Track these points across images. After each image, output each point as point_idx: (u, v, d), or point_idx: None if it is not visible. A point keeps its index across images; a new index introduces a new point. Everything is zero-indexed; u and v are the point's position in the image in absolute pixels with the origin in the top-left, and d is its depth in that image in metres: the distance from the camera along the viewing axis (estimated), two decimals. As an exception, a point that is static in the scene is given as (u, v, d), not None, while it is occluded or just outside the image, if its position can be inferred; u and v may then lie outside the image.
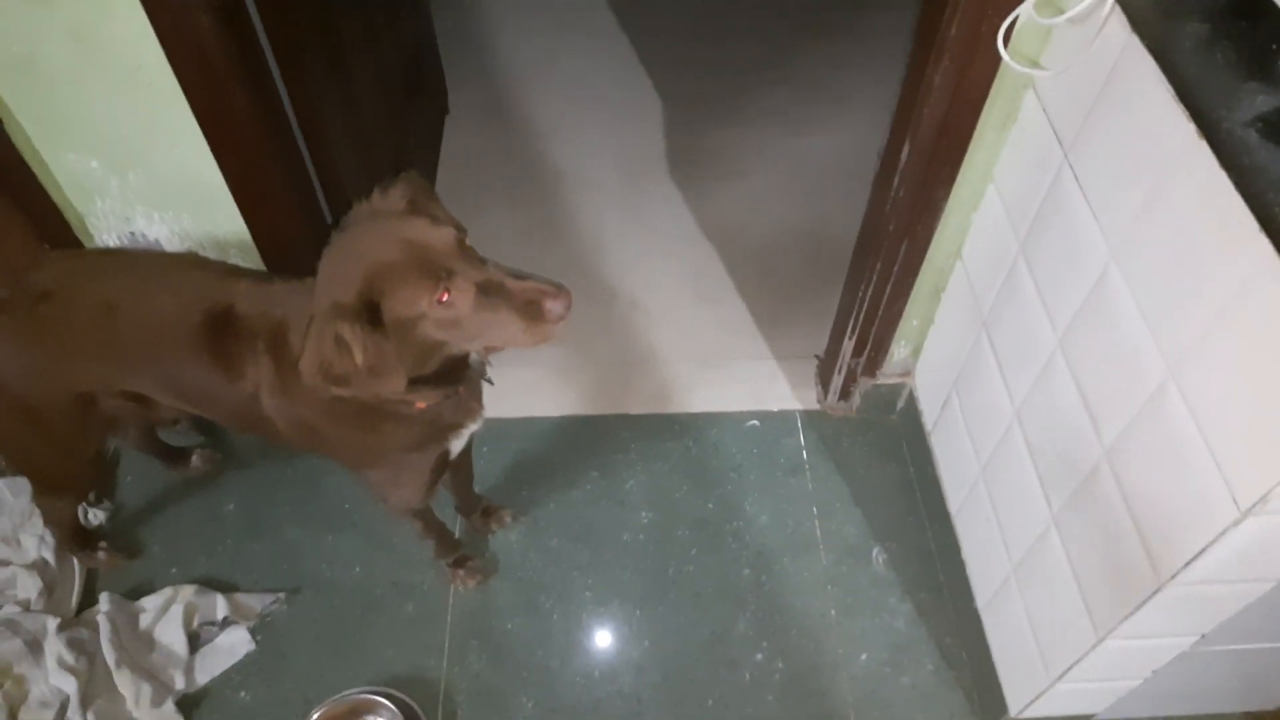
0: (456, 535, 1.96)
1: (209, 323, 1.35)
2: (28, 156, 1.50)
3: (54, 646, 1.71)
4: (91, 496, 1.95)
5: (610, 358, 2.31)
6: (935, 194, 1.65)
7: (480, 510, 1.97)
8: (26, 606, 1.78)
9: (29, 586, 1.80)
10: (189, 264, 1.46)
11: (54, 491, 1.69)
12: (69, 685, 1.67)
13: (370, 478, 1.54)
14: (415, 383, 1.24)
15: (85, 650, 1.73)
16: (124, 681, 1.70)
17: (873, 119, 2.83)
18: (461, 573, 1.89)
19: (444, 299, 1.12)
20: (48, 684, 1.68)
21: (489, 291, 1.13)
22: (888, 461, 2.13)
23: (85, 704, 1.66)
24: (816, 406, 2.22)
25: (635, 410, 2.20)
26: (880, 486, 2.09)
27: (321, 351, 1.10)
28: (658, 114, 2.93)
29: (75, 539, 1.83)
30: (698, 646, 1.86)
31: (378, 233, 1.15)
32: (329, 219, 1.84)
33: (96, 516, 1.94)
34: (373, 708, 1.71)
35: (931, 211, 1.68)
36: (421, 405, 1.32)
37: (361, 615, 1.87)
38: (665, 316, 2.40)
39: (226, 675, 1.78)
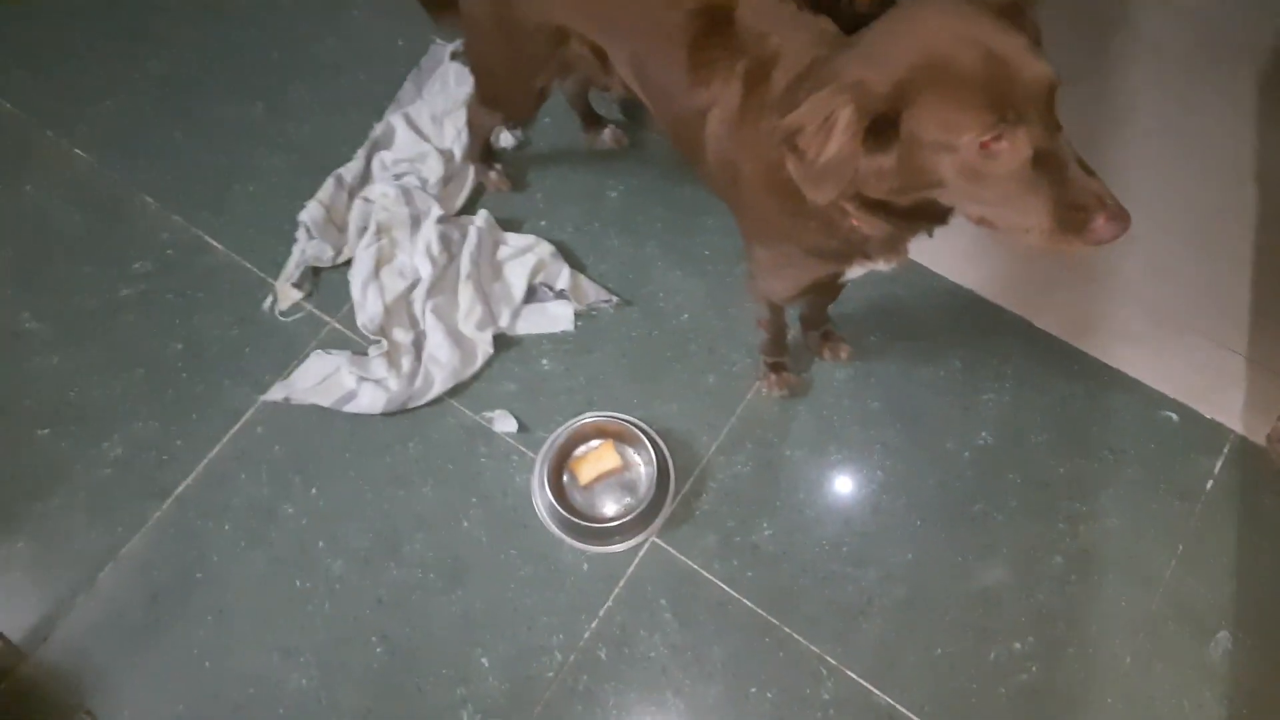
0: (788, 338, 1.82)
1: (703, 16, 1.21)
2: None
3: (429, 231, 1.85)
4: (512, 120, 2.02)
5: (1055, 256, 1.91)
6: None
7: (823, 331, 1.80)
8: (425, 185, 1.92)
9: (434, 169, 1.94)
10: None
11: (490, 104, 1.73)
12: (425, 269, 1.82)
13: (756, 252, 1.42)
14: (880, 207, 1.07)
15: (450, 249, 1.85)
16: (465, 293, 1.81)
17: None
18: (774, 378, 1.77)
19: (989, 144, 0.89)
20: (410, 258, 1.84)
21: (1043, 166, 0.89)
22: (1307, 554, 1.64)
23: (429, 294, 1.81)
24: (1261, 442, 1.73)
25: (1042, 324, 1.84)
26: (1277, 572, 1.63)
27: (807, 117, 0.95)
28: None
29: (481, 151, 1.92)
30: (959, 596, 1.63)
31: (963, 23, 0.91)
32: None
33: (507, 140, 2.01)
34: (635, 441, 1.71)
35: None
36: (857, 224, 1.12)
37: (670, 359, 1.83)
38: (1150, 244, 1.89)
39: (539, 339, 1.84)
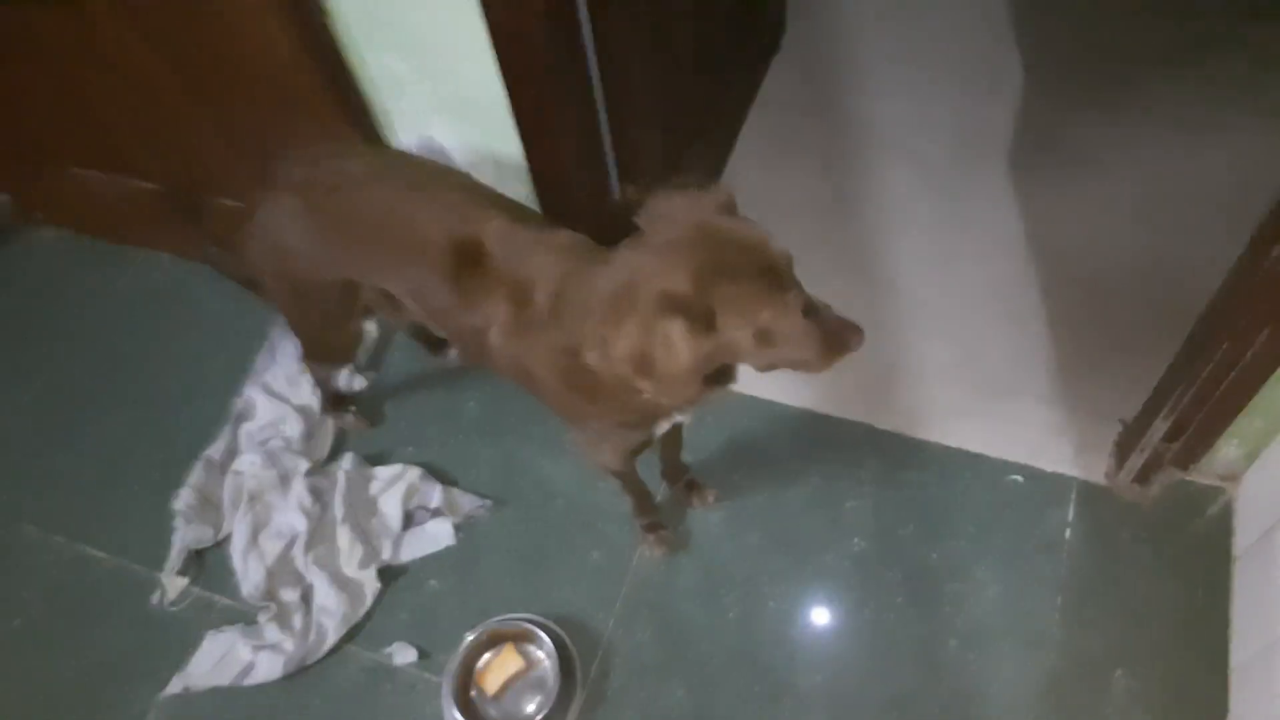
0: (657, 499, 1.91)
1: (456, 249, 1.38)
2: (347, 53, 1.59)
3: (298, 487, 1.93)
4: (362, 362, 2.15)
5: (873, 358, 2.06)
6: (1337, 281, 1.24)
7: (685, 482, 1.90)
8: (289, 445, 2.02)
9: (295, 426, 2.04)
10: (457, 184, 1.48)
11: (315, 358, 1.88)
12: (300, 524, 1.89)
13: (574, 434, 1.55)
14: None
15: (321, 498, 1.94)
16: (343, 536, 1.88)
17: (1302, 143, 2.23)
18: (651, 538, 1.85)
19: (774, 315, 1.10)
20: (285, 517, 1.91)
21: (810, 314, 1.12)
22: (1171, 574, 1.73)
23: (308, 546, 1.87)
24: (1101, 481, 1.85)
25: (882, 424, 1.98)
26: (1151, 600, 1.72)
27: (645, 344, 1.06)
28: (1015, 89, 2.52)
29: (330, 399, 2.04)
30: (872, 704, 1.68)
31: (709, 230, 1.11)
32: (610, 160, 1.79)
33: (359, 382, 2.13)
34: (533, 638, 1.75)
35: (1324, 302, 1.27)
36: (647, 395, 1.25)
37: (553, 547, 1.91)
38: (950, 326, 2.11)
39: (424, 561, 1.90)
